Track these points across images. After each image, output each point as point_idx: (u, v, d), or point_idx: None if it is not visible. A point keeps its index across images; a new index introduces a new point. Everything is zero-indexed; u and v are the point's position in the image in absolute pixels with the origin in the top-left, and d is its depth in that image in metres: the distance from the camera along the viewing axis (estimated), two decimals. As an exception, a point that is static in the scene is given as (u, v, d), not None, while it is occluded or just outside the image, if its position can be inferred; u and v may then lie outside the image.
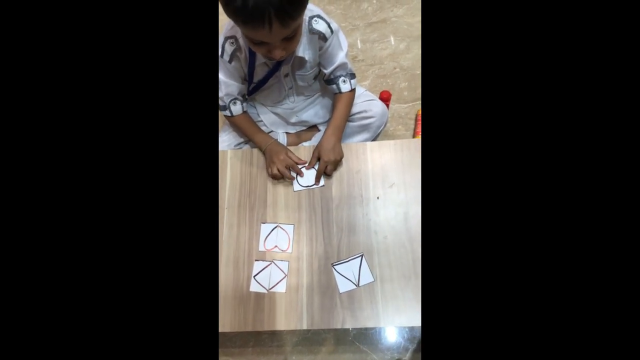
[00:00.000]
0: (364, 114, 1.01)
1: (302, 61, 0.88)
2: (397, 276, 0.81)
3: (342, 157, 0.91)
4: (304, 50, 0.86)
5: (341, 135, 0.94)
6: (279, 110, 1.05)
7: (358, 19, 1.51)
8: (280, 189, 0.91)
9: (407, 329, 1.06)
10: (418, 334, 1.05)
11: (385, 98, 1.25)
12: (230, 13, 0.66)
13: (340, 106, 0.95)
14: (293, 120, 1.07)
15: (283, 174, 0.90)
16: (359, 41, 1.46)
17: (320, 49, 0.87)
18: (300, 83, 0.96)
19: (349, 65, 0.93)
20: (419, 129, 1.28)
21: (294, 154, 0.92)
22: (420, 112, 1.31)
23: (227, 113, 0.96)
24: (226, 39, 0.84)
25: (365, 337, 1.05)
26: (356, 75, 0.95)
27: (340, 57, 0.90)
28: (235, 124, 0.99)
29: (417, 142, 0.93)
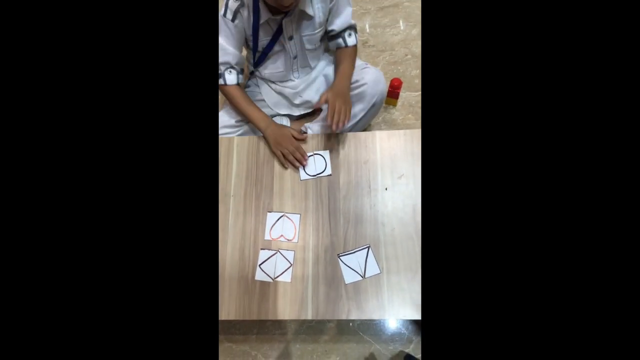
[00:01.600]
0: (356, 83, 0.98)
1: (305, 16, 0.89)
2: (403, 268, 0.80)
3: (351, 107, 0.91)
4: (314, 3, 0.87)
5: (349, 86, 0.94)
6: (284, 90, 1.04)
7: (369, 3, 1.47)
8: (287, 177, 0.89)
9: (411, 321, 1.05)
10: (422, 325, 1.05)
11: (396, 86, 1.22)
12: None
13: (347, 59, 0.95)
14: (297, 101, 1.06)
15: (291, 163, 0.89)
16: (368, 25, 1.42)
17: (332, 0, 0.89)
18: (308, 46, 0.96)
19: (353, 21, 0.96)
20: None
21: (299, 135, 0.92)
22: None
23: (221, 81, 0.94)
24: None
25: (369, 327, 1.05)
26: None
27: (349, 12, 0.93)
28: (228, 95, 0.97)
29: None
